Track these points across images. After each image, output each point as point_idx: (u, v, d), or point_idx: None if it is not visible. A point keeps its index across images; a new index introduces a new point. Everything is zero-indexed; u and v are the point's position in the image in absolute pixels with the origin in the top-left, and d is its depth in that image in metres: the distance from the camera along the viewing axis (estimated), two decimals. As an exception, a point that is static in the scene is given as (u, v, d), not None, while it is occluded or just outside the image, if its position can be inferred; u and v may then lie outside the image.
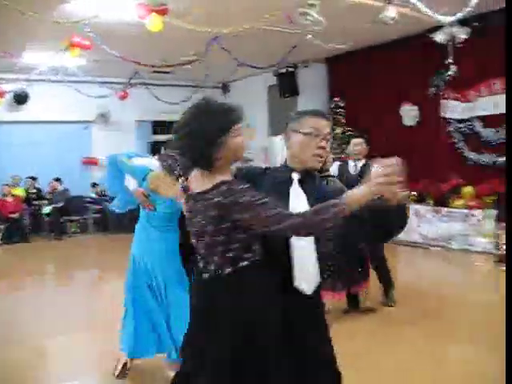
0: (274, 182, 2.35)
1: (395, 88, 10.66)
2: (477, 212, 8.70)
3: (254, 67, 10.61)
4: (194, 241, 2.30)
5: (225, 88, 15.11)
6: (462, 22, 8.01)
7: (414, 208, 9.35)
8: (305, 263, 2.30)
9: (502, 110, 9.08)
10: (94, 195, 12.98)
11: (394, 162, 1.98)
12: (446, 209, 9.03)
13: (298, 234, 2.11)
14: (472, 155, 9.57)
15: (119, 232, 12.12)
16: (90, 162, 13.38)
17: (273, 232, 2.06)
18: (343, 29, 8.84)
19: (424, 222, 9.18)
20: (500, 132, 9.14)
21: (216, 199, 2.09)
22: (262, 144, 14.06)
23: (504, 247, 7.94)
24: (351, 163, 5.76)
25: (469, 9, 7.01)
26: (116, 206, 4.07)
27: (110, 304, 6.01)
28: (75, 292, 7.46)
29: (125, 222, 12.29)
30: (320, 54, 11.74)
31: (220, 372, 2.14)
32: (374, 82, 11.06)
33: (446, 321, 5.36)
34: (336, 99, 12.03)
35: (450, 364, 4.32)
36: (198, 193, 2.20)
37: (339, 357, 2.43)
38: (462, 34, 8.39)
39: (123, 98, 12.79)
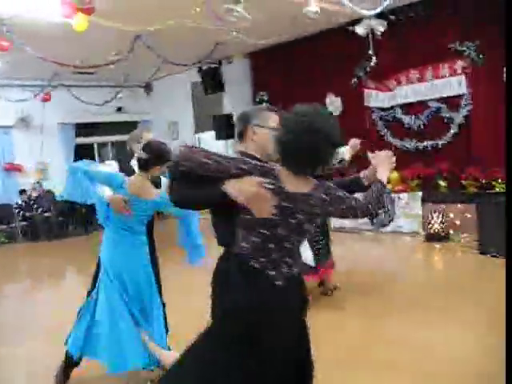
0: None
1: (318, 80, 10.98)
2: (402, 195, 9.13)
3: (179, 65, 10.64)
4: (256, 239, 2.31)
5: (148, 87, 15.00)
6: (380, 15, 8.32)
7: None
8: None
9: (420, 97, 9.62)
10: (21, 202, 12.55)
11: (389, 153, 2.56)
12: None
13: (365, 216, 2.39)
14: (395, 141, 10.03)
15: (50, 239, 11.86)
16: (14, 169, 12.95)
17: (354, 217, 2.38)
18: (267, 24, 8.99)
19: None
20: (420, 118, 9.65)
21: (323, 198, 2.31)
22: (188, 141, 14.08)
23: (430, 226, 8.43)
24: None
25: (387, 2, 7.41)
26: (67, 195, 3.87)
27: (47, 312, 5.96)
28: (5, 304, 7.25)
29: (55, 229, 12.06)
30: (243, 50, 11.90)
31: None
32: (298, 74, 11.35)
33: (387, 298, 5.64)
34: (261, 93, 12.20)
35: (397, 341, 4.56)
36: (303, 193, 2.31)
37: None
38: (380, 26, 8.75)
39: (46, 100, 12.48)
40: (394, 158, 2.54)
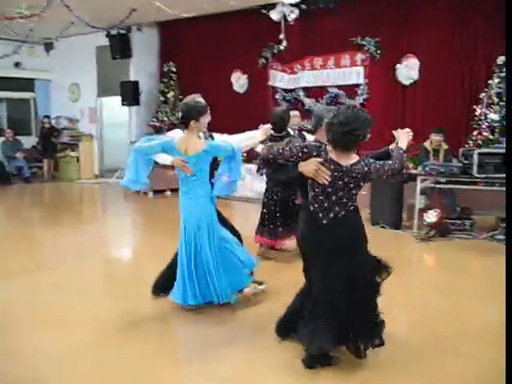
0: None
1: (227, 57, 11.52)
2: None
3: (94, 27, 10.66)
4: (320, 197, 3.47)
5: (49, 45, 14.64)
6: (294, 4, 8.98)
7: (246, 167, 10.33)
8: None
9: (322, 83, 10.47)
10: None
11: (408, 130, 3.83)
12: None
13: (395, 174, 3.50)
14: (296, 122, 10.83)
15: None
16: None
17: (386, 178, 3.49)
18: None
19: (255, 180, 10.20)
20: (320, 102, 10.51)
21: (365, 169, 3.40)
22: (90, 104, 14.07)
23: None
24: (291, 132, 6.18)
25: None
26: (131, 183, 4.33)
27: None
28: None
29: None
30: (154, 18, 12.08)
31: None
32: (207, 49, 11.80)
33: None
34: (168, 64, 12.46)
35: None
36: (349, 165, 3.40)
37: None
38: (293, 13, 9.44)
39: None
40: (411, 134, 3.81)
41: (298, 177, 3.52)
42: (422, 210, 7.56)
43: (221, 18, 11.31)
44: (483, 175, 7.29)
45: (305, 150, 3.45)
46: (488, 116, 8.21)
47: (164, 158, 4.39)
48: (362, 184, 3.48)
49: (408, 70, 9.59)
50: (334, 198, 3.44)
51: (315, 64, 10.55)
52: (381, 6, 9.51)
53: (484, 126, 8.23)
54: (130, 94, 12.33)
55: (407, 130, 3.84)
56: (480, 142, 8.22)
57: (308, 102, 10.71)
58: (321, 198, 3.47)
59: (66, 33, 12.08)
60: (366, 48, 9.92)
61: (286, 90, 11.05)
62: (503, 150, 7.55)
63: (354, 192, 3.48)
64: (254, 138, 4.70)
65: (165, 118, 12.22)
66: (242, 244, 4.83)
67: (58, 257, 6.69)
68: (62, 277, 5.64)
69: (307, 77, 10.68)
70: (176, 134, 4.51)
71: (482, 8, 8.62)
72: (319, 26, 10.21)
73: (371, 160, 3.46)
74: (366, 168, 3.40)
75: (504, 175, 7.22)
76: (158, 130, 12.09)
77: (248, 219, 8.93)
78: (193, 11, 10.33)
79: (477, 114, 8.38)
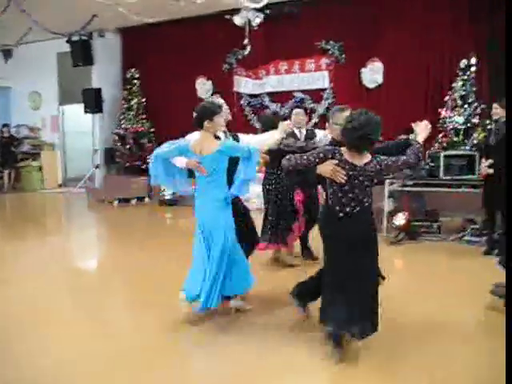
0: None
1: (191, 62, 11.38)
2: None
3: (55, 33, 10.44)
4: (338, 194, 3.76)
5: (7, 52, 14.30)
6: (258, 9, 8.93)
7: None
8: None
9: (287, 88, 10.45)
10: None
11: (427, 123, 3.94)
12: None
13: (409, 168, 3.91)
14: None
15: None
16: None
17: (400, 171, 4.01)
18: (148, 2, 9.13)
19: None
20: (285, 107, 10.47)
21: (377, 167, 3.69)
22: (52, 113, 13.81)
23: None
24: (296, 131, 6.18)
25: (267, -3, 8.06)
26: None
27: None
28: None
29: None
30: (117, 25, 11.92)
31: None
32: (171, 55, 11.65)
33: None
34: (132, 70, 12.28)
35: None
36: (363, 165, 3.70)
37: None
38: (258, 18, 9.40)
39: None
40: (430, 126, 3.92)
41: (318, 177, 3.88)
42: (391, 214, 7.57)
43: (184, 24, 11.21)
44: (449, 177, 7.35)
45: (321, 155, 3.75)
46: (453, 119, 8.28)
47: (180, 161, 4.42)
48: (375, 180, 3.83)
49: (372, 74, 9.64)
50: (350, 195, 3.76)
51: (280, 69, 10.53)
52: (345, 10, 9.54)
53: (449, 129, 8.29)
54: (93, 101, 12.11)
55: (426, 122, 3.95)
56: (445, 144, 8.29)
57: (273, 106, 10.66)
58: (339, 194, 3.78)
59: (25, 39, 11.83)
60: (330, 52, 9.95)
61: (251, 96, 10.99)
62: (469, 152, 7.66)
63: (368, 189, 3.81)
64: (273, 137, 4.69)
65: (129, 126, 12.04)
66: (252, 251, 5.03)
67: (22, 270, 6.46)
68: (26, 290, 5.44)
69: (272, 82, 10.64)
70: (194, 137, 4.50)
71: (446, 13, 8.71)
72: (284, 30, 10.18)
73: (383, 157, 3.74)
74: (378, 166, 3.71)
75: (469, 176, 7.36)
76: (123, 137, 11.93)
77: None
78: (156, 17, 10.18)
79: (441, 116, 8.44)
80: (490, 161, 6.46)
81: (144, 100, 12.12)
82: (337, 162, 3.70)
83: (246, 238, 4.80)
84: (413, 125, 4.00)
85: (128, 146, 12.00)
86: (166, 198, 10.84)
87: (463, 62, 8.24)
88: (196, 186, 4.46)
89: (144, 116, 12.17)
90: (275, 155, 5.44)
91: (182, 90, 11.54)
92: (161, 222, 9.85)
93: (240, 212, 4.79)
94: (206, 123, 4.27)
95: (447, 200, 7.70)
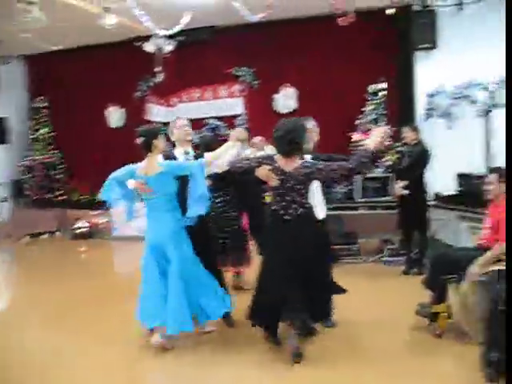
0: None
1: (102, 90, 11.05)
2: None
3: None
4: (277, 197, 4.13)
5: None
6: (170, 36, 8.84)
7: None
8: None
9: (200, 115, 10.37)
10: None
11: (385, 129, 4.24)
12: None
13: (351, 175, 4.03)
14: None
15: None
16: None
17: (337, 178, 4.04)
18: (57, 28, 8.83)
19: (139, 216, 9.82)
20: (199, 134, 10.36)
21: (307, 170, 4.03)
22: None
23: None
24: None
25: (180, 26, 7.98)
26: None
27: None
28: None
29: None
30: (22, 51, 11.43)
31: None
32: (81, 83, 11.21)
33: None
34: (38, 99, 11.81)
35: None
36: (292, 170, 4.06)
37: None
38: (169, 45, 9.31)
39: None
40: (388, 131, 4.31)
41: (256, 180, 4.25)
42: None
43: (94, 51, 10.88)
44: (365, 199, 7.49)
45: (259, 160, 4.24)
46: (364, 142, 8.46)
47: (130, 183, 4.55)
48: (308, 183, 4.11)
49: (285, 100, 9.74)
50: (288, 198, 4.09)
51: (193, 96, 10.44)
52: (257, 37, 9.59)
53: (361, 152, 8.49)
54: (-3, 131, 11.50)
55: (385, 128, 4.30)
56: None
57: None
58: (278, 198, 4.14)
59: None
60: (243, 78, 9.98)
61: (164, 124, 10.79)
62: (383, 175, 7.85)
63: (304, 192, 4.11)
64: (226, 146, 4.76)
65: (37, 157, 11.52)
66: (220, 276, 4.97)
67: None
68: None
69: (185, 109, 10.49)
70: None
71: (355, 38, 8.96)
72: (196, 57, 10.12)
73: (315, 162, 4.12)
74: (308, 170, 4.04)
75: (384, 198, 7.53)
76: (31, 169, 11.42)
77: (131, 259, 8.58)
78: (64, 44, 9.85)
79: (353, 140, 8.62)
80: (404, 182, 6.64)
81: (53, 130, 11.65)
82: (270, 167, 4.11)
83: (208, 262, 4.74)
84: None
85: (36, 178, 11.48)
86: (80, 231, 10.40)
87: (371, 88, 8.49)
88: (147, 210, 4.59)
89: (53, 146, 11.68)
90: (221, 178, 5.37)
91: (93, 118, 11.18)
92: (75, 256, 9.37)
93: (205, 236, 4.81)
94: (152, 145, 4.45)
95: (364, 222, 7.84)
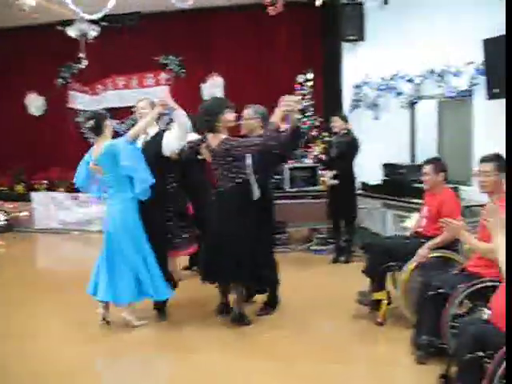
0: None
1: (21, 77, 10.54)
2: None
3: None
4: (215, 171, 4.53)
5: None
6: (93, 20, 8.52)
7: (51, 196, 9.60)
8: None
9: (126, 103, 10.08)
10: None
11: (296, 97, 4.47)
12: (83, 195, 9.52)
13: (267, 149, 4.23)
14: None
15: None
16: None
17: (257, 151, 4.32)
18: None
19: (62, 209, 9.52)
20: (125, 123, 10.12)
21: (226, 146, 4.36)
22: None
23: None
24: None
25: (105, 10, 7.70)
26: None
27: None
28: None
29: None
30: None
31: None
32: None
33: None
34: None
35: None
36: (216, 146, 4.41)
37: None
38: (93, 31, 8.98)
39: None
40: (294, 100, 4.27)
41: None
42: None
43: (10, 34, 10.35)
44: (295, 189, 7.54)
45: (199, 139, 4.67)
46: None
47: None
48: (230, 159, 4.38)
49: (212, 89, 9.64)
50: (221, 171, 4.46)
51: (118, 84, 10.15)
52: (184, 24, 9.44)
53: (290, 142, 8.51)
54: None
55: (290, 97, 4.33)
56: (287, 157, 8.50)
57: (113, 123, 10.19)
58: (215, 173, 4.54)
59: None
60: (170, 67, 9.81)
61: (86, 112, 10.42)
62: (311, 164, 7.92)
63: (228, 167, 4.41)
64: (145, 121, 4.75)
65: None
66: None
67: None
68: None
69: (110, 97, 10.21)
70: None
71: (283, 28, 8.99)
72: (121, 44, 9.81)
73: (236, 139, 4.44)
74: (227, 146, 4.36)
75: (313, 188, 7.61)
76: None
77: (56, 252, 8.28)
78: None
79: (281, 130, 8.64)
80: (333, 172, 6.73)
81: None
82: (204, 145, 4.53)
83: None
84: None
85: None
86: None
87: (300, 77, 8.54)
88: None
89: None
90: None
91: (11, 106, 10.62)
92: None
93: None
94: (101, 128, 4.66)
95: (293, 211, 7.87)
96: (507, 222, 2.92)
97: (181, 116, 4.58)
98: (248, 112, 4.94)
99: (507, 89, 3.32)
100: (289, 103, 4.20)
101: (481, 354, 2.93)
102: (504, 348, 2.75)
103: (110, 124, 4.78)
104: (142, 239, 4.62)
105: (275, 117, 4.21)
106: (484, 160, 3.83)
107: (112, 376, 4.03)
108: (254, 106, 5.06)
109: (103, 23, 9.01)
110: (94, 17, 7.77)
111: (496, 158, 3.79)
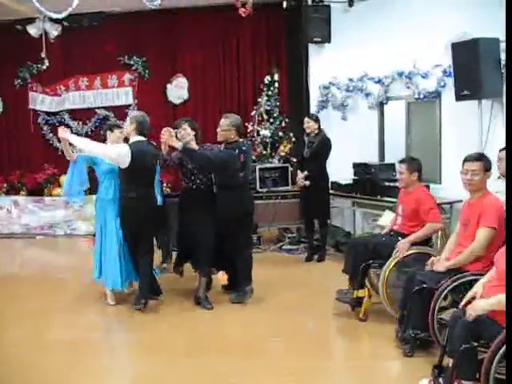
0: None
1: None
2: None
3: None
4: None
5: None
6: (55, 19, 8.32)
7: (12, 199, 9.34)
8: None
9: (89, 104, 9.95)
10: None
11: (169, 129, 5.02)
12: (48, 198, 9.31)
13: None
14: (62, 146, 10.02)
15: None
16: None
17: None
18: None
19: (25, 213, 9.25)
20: (87, 125, 9.95)
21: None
22: None
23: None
24: None
25: (70, 9, 7.55)
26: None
27: None
28: None
29: None
30: None
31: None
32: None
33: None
34: None
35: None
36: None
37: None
38: (54, 30, 8.80)
39: None
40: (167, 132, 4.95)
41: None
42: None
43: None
44: (265, 189, 7.57)
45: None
46: (260, 132, 8.51)
47: None
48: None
49: (178, 90, 9.61)
50: (188, 175, 5.24)
51: (81, 85, 9.95)
52: (147, 25, 9.34)
53: (257, 142, 8.50)
54: None
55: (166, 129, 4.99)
56: (255, 157, 8.49)
57: (75, 125, 10.02)
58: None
59: None
60: (133, 68, 9.71)
61: (49, 114, 10.19)
62: (281, 165, 7.97)
63: (186, 171, 5.18)
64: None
65: None
66: None
67: None
68: None
69: (72, 98, 10.01)
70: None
71: (248, 29, 9.02)
72: (84, 44, 9.61)
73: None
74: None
75: (284, 188, 7.65)
76: None
77: (19, 257, 8.08)
78: None
79: (249, 130, 8.64)
80: (306, 173, 6.79)
81: None
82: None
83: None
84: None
85: None
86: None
87: (267, 78, 8.57)
88: None
89: None
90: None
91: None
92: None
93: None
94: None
95: (264, 211, 7.88)
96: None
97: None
98: (225, 122, 5.22)
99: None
100: (163, 136, 4.96)
101: (475, 344, 3.04)
102: (500, 336, 2.86)
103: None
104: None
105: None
106: (471, 159, 3.93)
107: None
108: (231, 116, 5.29)
109: (65, 23, 8.86)
110: (58, 16, 7.64)
111: (482, 157, 3.93)
